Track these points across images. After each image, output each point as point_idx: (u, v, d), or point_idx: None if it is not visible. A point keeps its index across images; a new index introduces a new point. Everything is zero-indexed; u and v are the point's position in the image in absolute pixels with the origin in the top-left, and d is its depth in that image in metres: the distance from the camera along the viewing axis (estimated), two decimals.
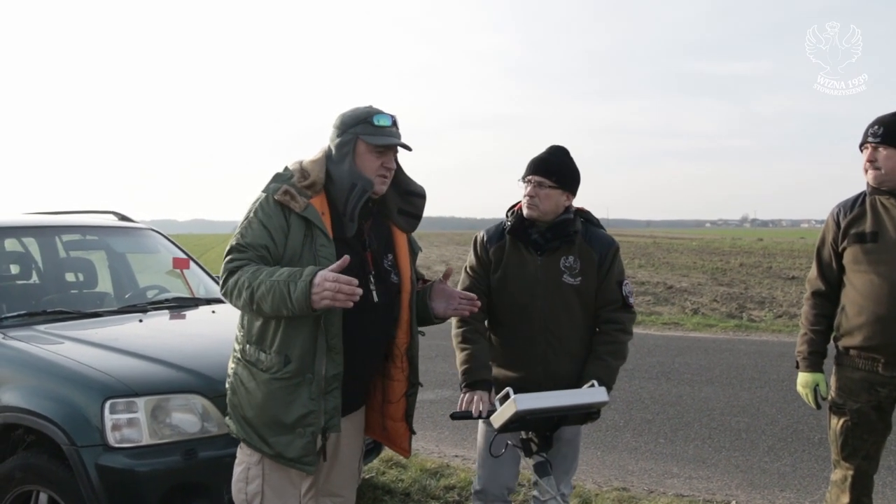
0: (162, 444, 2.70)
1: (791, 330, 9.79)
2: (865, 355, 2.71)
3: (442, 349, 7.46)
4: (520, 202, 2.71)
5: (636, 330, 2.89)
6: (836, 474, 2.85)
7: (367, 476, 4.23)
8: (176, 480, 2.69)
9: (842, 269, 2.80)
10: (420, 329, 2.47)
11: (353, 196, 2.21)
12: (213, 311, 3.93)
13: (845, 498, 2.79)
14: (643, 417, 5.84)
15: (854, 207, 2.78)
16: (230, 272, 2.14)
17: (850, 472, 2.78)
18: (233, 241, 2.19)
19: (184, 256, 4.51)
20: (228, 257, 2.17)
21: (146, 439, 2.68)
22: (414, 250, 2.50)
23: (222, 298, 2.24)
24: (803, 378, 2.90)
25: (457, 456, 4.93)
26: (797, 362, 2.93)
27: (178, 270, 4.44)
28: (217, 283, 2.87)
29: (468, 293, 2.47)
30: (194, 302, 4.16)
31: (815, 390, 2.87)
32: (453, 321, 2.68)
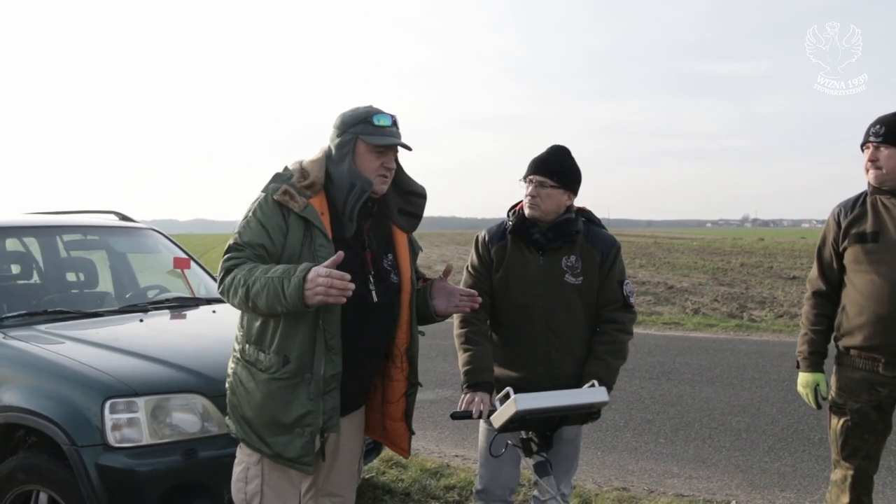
0: (162, 444, 2.70)
1: (792, 330, 9.79)
2: (866, 355, 2.71)
3: (442, 349, 7.46)
4: (520, 202, 2.71)
5: (637, 330, 2.89)
6: (836, 474, 2.85)
7: (367, 476, 4.23)
8: (176, 480, 2.69)
9: (842, 269, 2.80)
10: (420, 329, 2.47)
11: (352, 196, 2.21)
12: (214, 311, 3.93)
13: (845, 498, 2.79)
14: (643, 417, 5.83)
15: (855, 207, 2.78)
16: (227, 270, 2.14)
17: (851, 472, 2.78)
18: (231, 241, 2.20)
19: (184, 256, 4.52)
20: (226, 256, 2.18)
21: (146, 439, 2.68)
22: (414, 250, 2.50)
23: (222, 298, 2.24)
24: (804, 378, 2.90)
25: (457, 456, 4.93)
26: (798, 362, 2.93)
27: (178, 270, 4.44)
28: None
29: (469, 290, 2.47)
30: (195, 302, 4.16)
31: (816, 390, 2.87)
32: (456, 322, 2.69)
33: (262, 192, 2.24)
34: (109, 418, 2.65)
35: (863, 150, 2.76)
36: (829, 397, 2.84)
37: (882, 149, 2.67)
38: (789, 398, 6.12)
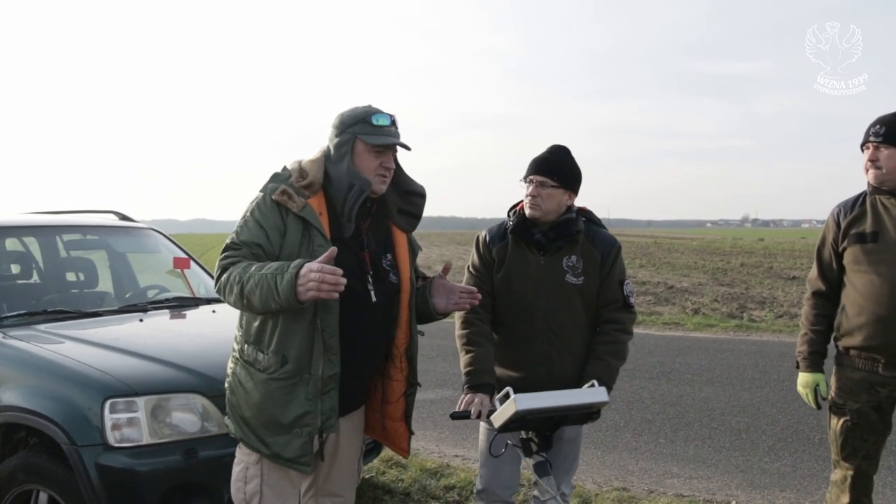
0: (162, 444, 2.70)
1: (792, 330, 9.79)
2: (865, 355, 2.71)
3: (442, 349, 7.46)
4: (521, 202, 2.71)
5: (637, 330, 2.89)
6: (836, 474, 2.85)
7: (367, 476, 4.23)
8: (176, 480, 2.69)
9: (842, 269, 2.80)
10: (420, 329, 2.47)
11: (350, 196, 2.21)
12: (214, 311, 3.93)
13: (845, 498, 2.79)
14: (643, 417, 5.83)
15: (854, 207, 2.78)
16: (223, 269, 2.14)
17: (850, 473, 2.78)
18: (228, 240, 2.20)
19: (184, 256, 4.52)
20: (223, 255, 2.18)
21: (146, 439, 2.68)
22: (414, 250, 2.50)
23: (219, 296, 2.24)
24: (803, 378, 2.90)
25: (457, 456, 4.93)
26: (797, 362, 2.93)
27: (178, 270, 4.44)
28: None
29: (469, 287, 2.47)
30: (195, 301, 4.16)
31: (816, 390, 2.87)
32: (458, 323, 2.68)
33: (261, 191, 2.24)
34: (109, 418, 2.65)
35: (863, 150, 2.75)
36: (829, 397, 2.84)
37: (882, 149, 2.67)
38: (789, 398, 6.12)
